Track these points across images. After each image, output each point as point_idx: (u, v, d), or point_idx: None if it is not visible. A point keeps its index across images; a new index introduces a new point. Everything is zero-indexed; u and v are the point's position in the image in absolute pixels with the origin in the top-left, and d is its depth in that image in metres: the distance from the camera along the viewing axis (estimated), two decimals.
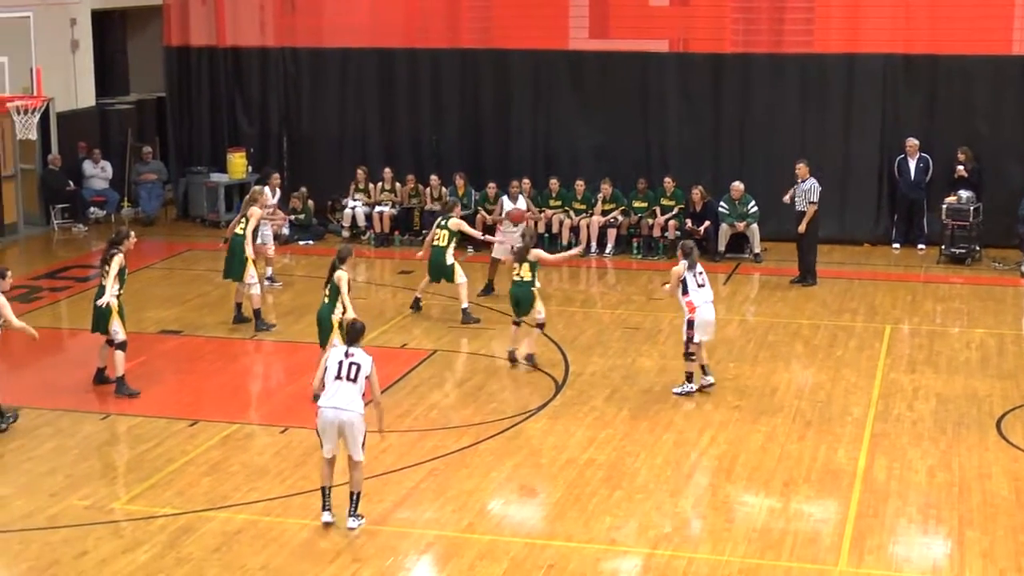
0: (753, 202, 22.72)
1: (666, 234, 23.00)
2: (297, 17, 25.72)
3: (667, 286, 16.08)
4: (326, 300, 15.28)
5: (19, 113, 20.59)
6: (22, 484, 13.12)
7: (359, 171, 24.65)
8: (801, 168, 20.79)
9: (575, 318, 19.31)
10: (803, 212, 20.71)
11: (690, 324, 15.46)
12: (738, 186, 22.75)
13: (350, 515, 12.09)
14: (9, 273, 15.16)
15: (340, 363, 12.11)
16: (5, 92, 20.58)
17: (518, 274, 16.89)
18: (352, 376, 12.04)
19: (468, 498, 12.77)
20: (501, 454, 13.95)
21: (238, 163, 25.62)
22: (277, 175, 21.70)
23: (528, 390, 15.96)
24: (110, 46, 28.20)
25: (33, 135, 21.08)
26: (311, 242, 24.09)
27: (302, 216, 24.34)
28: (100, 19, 26.96)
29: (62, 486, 13.10)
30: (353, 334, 12.42)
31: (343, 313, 15.04)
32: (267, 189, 20.19)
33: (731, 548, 11.75)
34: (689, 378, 15.70)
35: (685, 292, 15.53)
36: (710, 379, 15.82)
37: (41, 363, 17.34)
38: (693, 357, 15.64)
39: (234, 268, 18.30)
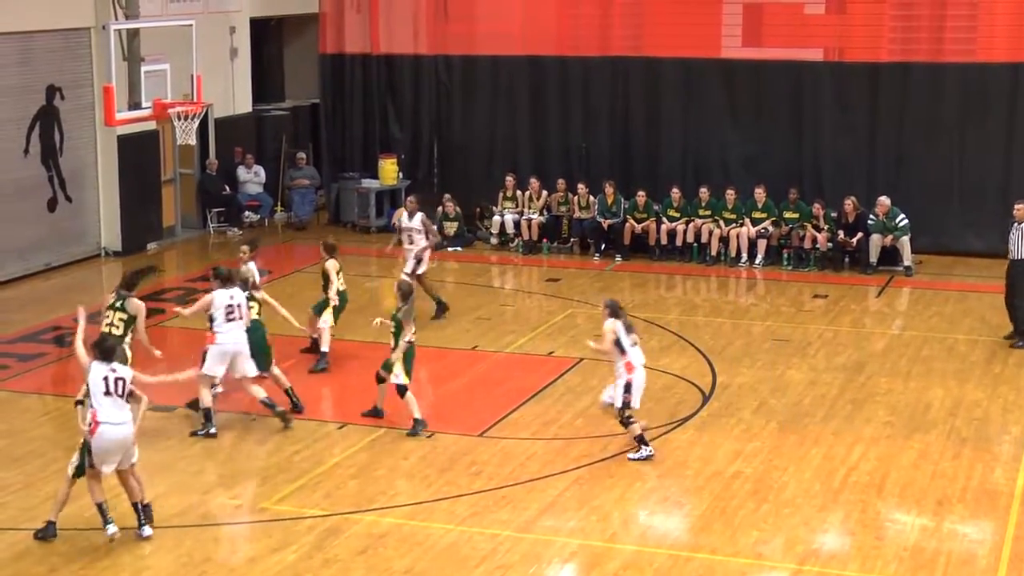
0: (902, 216, 22.22)
1: (817, 246, 22.64)
2: (450, 25, 25.90)
3: (593, 344, 14.44)
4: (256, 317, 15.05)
5: (180, 119, 21.16)
6: (175, 482, 13.40)
7: (508, 179, 24.74)
8: (1020, 209, 18.16)
9: (723, 329, 19.12)
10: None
11: (627, 387, 13.71)
12: (884, 202, 22.26)
13: (141, 525, 11.90)
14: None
15: (106, 379, 11.68)
16: (167, 98, 21.17)
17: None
18: (121, 391, 11.71)
19: (613, 508, 12.70)
20: (646, 465, 13.84)
21: (389, 169, 25.91)
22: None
23: (675, 401, 15.82)
24: (267, 53, 28.79)
25: (192, 140, 21.67)
26: (459, 249, 24.24)
27: (453, 222, 24.50)
28: (258, 27, 27.51)
29: (214, 485, 13.36)
30: (105, 352, 11.83)
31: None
32: (252, 264, 16.34)
33: (881, 566, 11.50)
34: (641, 440, 13.88)
35: (623, 352, 13.74)
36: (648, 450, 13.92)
37: (197, 363, 17.70)
38: (632, 421, 13.84)
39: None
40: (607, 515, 12.51)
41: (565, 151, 25.28)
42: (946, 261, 22.56)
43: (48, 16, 22.18)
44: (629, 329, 13.90)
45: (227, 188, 25.98)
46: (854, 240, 22.36)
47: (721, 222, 23.27)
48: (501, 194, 24.72)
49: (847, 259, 22.62)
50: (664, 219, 23.53)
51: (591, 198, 23.95)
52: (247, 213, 26.23)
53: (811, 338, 18.52)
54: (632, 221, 23.51)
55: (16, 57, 21.85)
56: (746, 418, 15.23)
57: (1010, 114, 22.95)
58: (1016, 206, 18.15)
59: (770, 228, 23.03)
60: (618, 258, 23.24)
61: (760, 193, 23.14)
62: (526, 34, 25.36)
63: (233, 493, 13.10)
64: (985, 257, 22.32)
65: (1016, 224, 18.02)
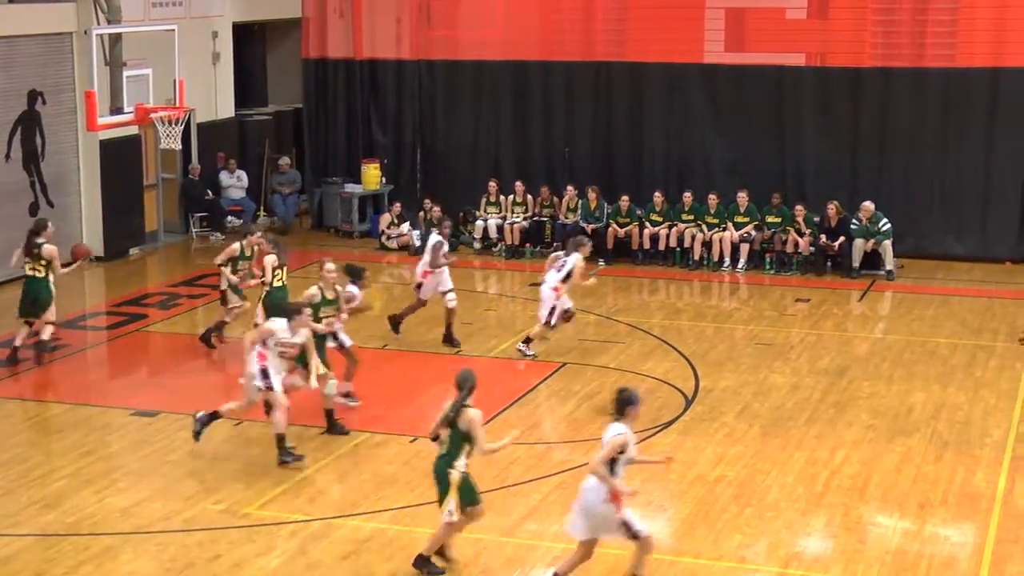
0: (885, 220, 22.29)
1: (799, 250, 22.70)
2: (433, 30, 25.91)
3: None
4: (443, 450, 11.31)
5: (163, 124, 21.13)
6: (159, 487, 13.38)
7: (491, 184, 24.77)
8: None
9: (706, 333, 19.16)
10: None
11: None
12: (868, 207, 22.32)
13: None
14: None
15: None
16: (149, 103, 21.12)
17: (280, 279, 17.05)
18: None
19: None
20: (630, 469, 13.77)
21: (372, 174, 25.91)
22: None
23: (658, 405, 15.83)
24: (250, 58, 28.75)
25: (177, 145, 21.63)
26: None
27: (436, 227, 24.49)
28: (241, 32, 27.48)
29: (197, 490, 13.33)
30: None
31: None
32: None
33: (863, 569, 11.53)
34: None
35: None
36: None
37: (178, 368, 17.69)
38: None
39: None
40: None
41: (548, 155, 25.30)
42: (928, 265, 22.65)
43: (30, 21, 22.14)
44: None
45: (210, 193, 25.94)
46: (836, 244, 22.42)
47: (704, 226, 23.32)
48: (484, 199, 24.74)
49: (829, 263, 22.68)
50: (647, 224, 23.57)
51: (580, 201, 23.98)
52: (230, 218, 26.19)
53: (793, 342, 18.57)
54: (615, 226, 23.54)
55: None
56: (729, 422, 15.27)
57: (990, 118, 23.02)
58: None
59: (753, 232, 23.09)
60: (601, 263, 23.19)
61: (743, 197, 23.20)
62: (509, 39, 25.37)
63: (216, 498, 13.07)
64: (966, 261, 22.46)
65: None
